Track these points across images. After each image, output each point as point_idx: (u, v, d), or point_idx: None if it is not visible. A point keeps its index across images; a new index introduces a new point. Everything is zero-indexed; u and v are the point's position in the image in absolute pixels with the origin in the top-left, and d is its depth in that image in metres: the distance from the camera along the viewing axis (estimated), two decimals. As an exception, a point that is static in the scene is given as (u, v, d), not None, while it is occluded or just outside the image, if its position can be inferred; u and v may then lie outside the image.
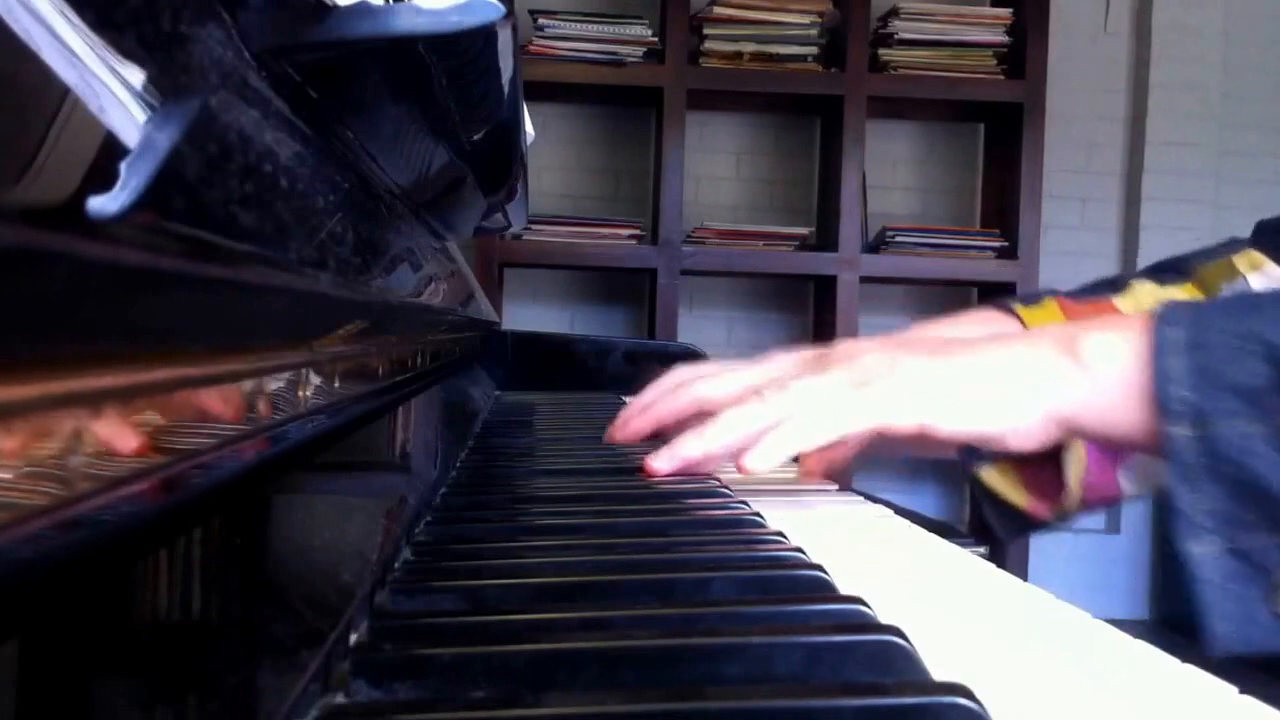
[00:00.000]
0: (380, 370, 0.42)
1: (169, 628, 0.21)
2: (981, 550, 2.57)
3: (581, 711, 0.25)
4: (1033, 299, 0.77)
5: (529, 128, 0.82)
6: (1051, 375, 0.53)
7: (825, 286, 2.78)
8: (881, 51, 2.73)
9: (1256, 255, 0.73)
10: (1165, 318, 0.51)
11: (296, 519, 0.31)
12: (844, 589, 0.36)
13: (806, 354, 0.70)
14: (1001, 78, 2.71)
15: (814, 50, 2.69)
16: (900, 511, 0.60)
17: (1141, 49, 3.01)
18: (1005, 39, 2.72)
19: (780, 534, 0.46)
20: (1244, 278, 0.72)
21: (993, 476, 0.69)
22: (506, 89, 0.51)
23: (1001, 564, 0.49)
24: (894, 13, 2.72)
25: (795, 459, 0.69)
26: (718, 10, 2.66)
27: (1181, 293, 0.75)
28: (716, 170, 2.97)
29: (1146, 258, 2.96)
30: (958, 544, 0.51)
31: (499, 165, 0.69)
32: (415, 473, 0.51)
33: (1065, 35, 2.92)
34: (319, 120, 0.36)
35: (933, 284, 2.96)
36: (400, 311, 0.47)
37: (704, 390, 0.69)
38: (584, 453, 0.79)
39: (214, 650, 0.22)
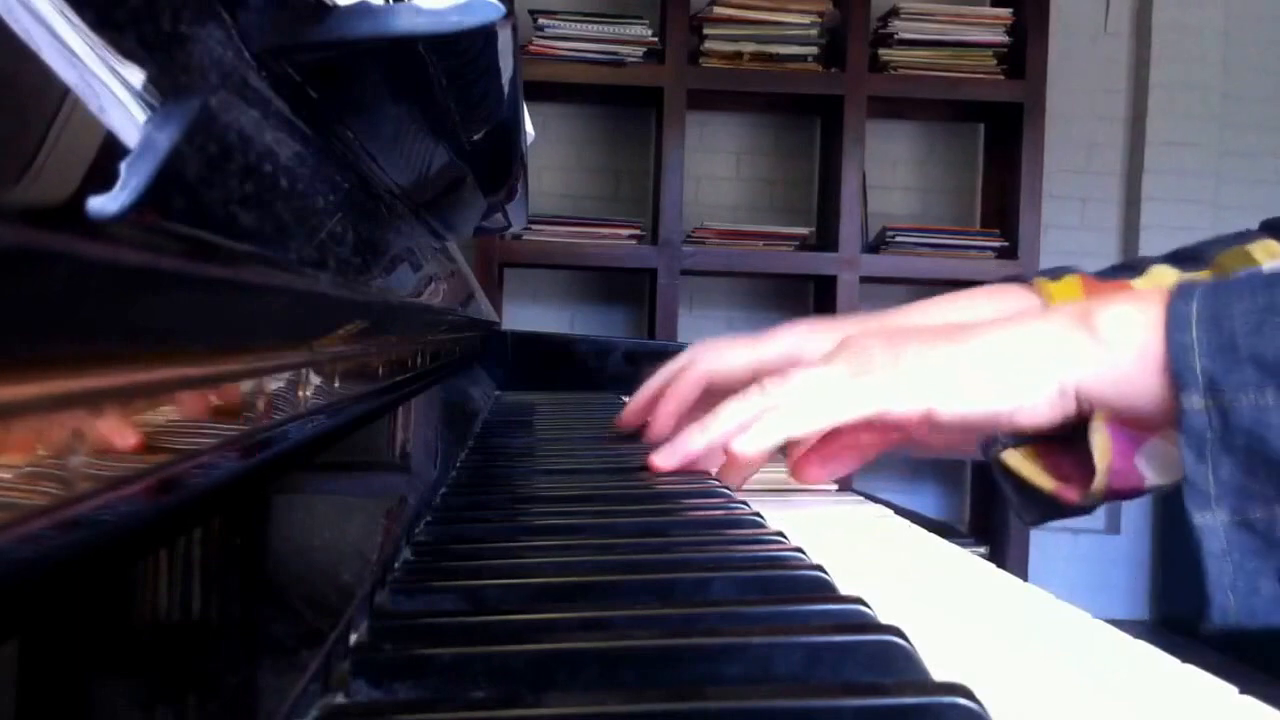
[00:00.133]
0: (380, 370, 0.42)
1: (169, 628, 0.21)
2: (981, 550, 2.57)
3: (582, 711, 0.25)
4: (1054, 274, 0.76)
5: (529, 128, 0.82)
6: (1066, 347, 0.53)
7: (825, 286, 2.78)
8: (881, 51, 2.73)
9: (1274, 244, 0.73)
10: (1183, 292, 0.50)
11: (296, 519, 0.31)
12: (844, 589, 0.36)
13: (815, 328, 0.70)
14: (1001, 78, 2.71)
15: (814, 50, 2.69)
16: (900, 511, 0.60)
17: (1141, 49, 3.01)
18: (1005, 39, 2.72)
19: (780, 534, 0.46)
20: (1260, 267, 0.72)
21: (1016, 459, 0.68)
22: (506, 89, 0.51)
23: (1001, 564, 0.49)
24: (894, 13, 2.72)
25: (784, 451, 0.68)
26: (718, 10, 2.66)
27: (1200, 278, 0.74)
28: (716, 170, 2.97)
29: (1146, 258, 2.96)
30: (958, 544, 0.51)
31: (499, 165, 0.69)
32: (415, 473, 0.51)
33: (1065, 35, 2.92)
34: (319, 120, 0.36)
35: (933, 284, 2.95)
36: (400, 311, 0.47)
37: (712, 365, 0.69)
38: (584, 453, 0.79)
39: (214, 650, 0.22)
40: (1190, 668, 0.32)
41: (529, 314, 2.91)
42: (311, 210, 0.30)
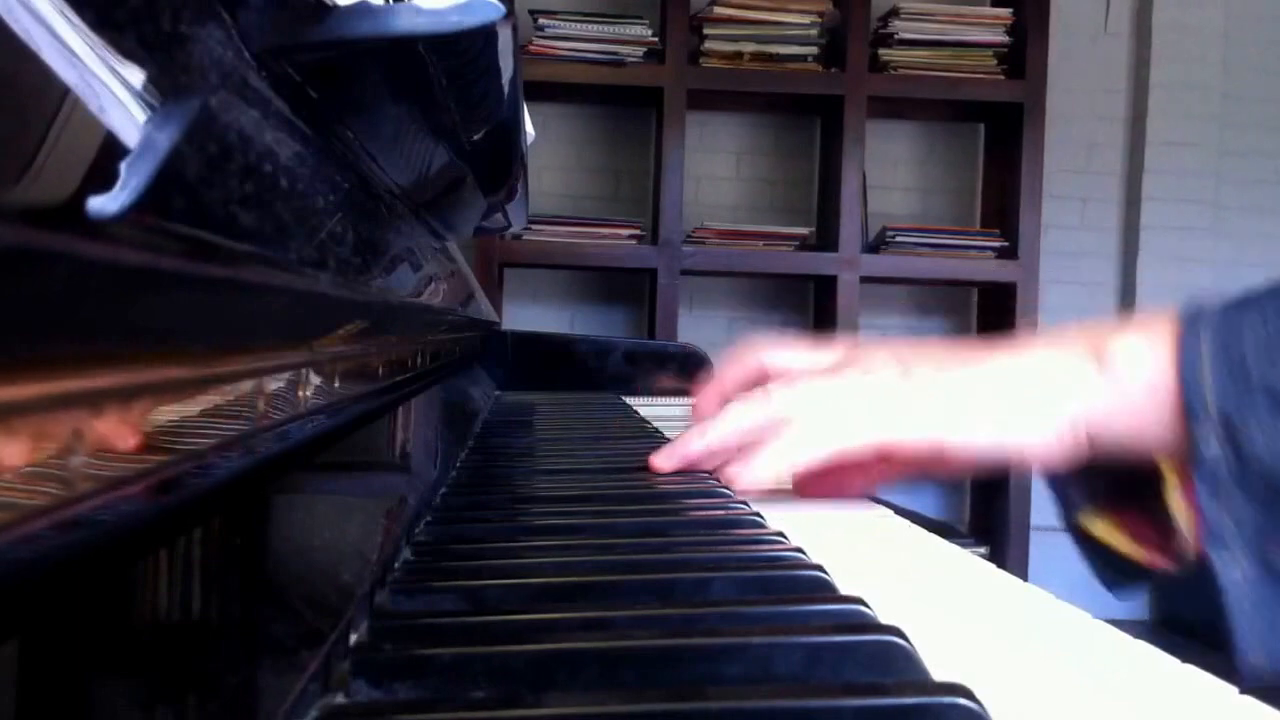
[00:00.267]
0: (380, 370, 0.42)
1: (169, 628, 0.21)
2: (981, 550, 2.57)
3: (582, 712, 0.25)
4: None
5: (529, 128, 0.82)
6: (1075, 382, 0.51)
7: (825, 286, 2.78)
8: (881, 51, 2.73)
9: None
10: (1192, 320, 0.49)
11: (296, 519, 0.31)
12: (844, 589, 0.36)
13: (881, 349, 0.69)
14: (1001, 78, 2.71)
15: (814, 50, 2.69)
16: (900, 511, 0.60)
17: (1141, 49, 3.01)
18: (1005, 39, 2.72)
19: (780, 534, 0.46)
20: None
21: (1104, 530, 0.66)
22: (506, 89, 0.51)
23: (1001, 564, 0.48)
24: (894, 13, 2.72)
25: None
26: (718, 10, 2.66)
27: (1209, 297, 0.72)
28: (716, 170, 2.98)
29: (1147, 258, 2.96)
30: (958, 544, 0.51)
31: (499, 165, 0.69)
32: (415, 473, 0.51)
33: (1065, 35, 2.92)
34: (319, 120, 0.36)
35: (933, 284, 2.96)
36: (400, 311, 0.47)
37: (771, 361, 0.68)
38: (584, 453, 0.79)
39: (214, 650, 0.22)
40: (1190, 668, 0.32)
41: (529, 314, 2.91)
42: (311, 210, 0.30)
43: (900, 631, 0.30)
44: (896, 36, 2.71)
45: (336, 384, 0.33)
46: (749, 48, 2.67)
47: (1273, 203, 3.04)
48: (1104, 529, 0.65)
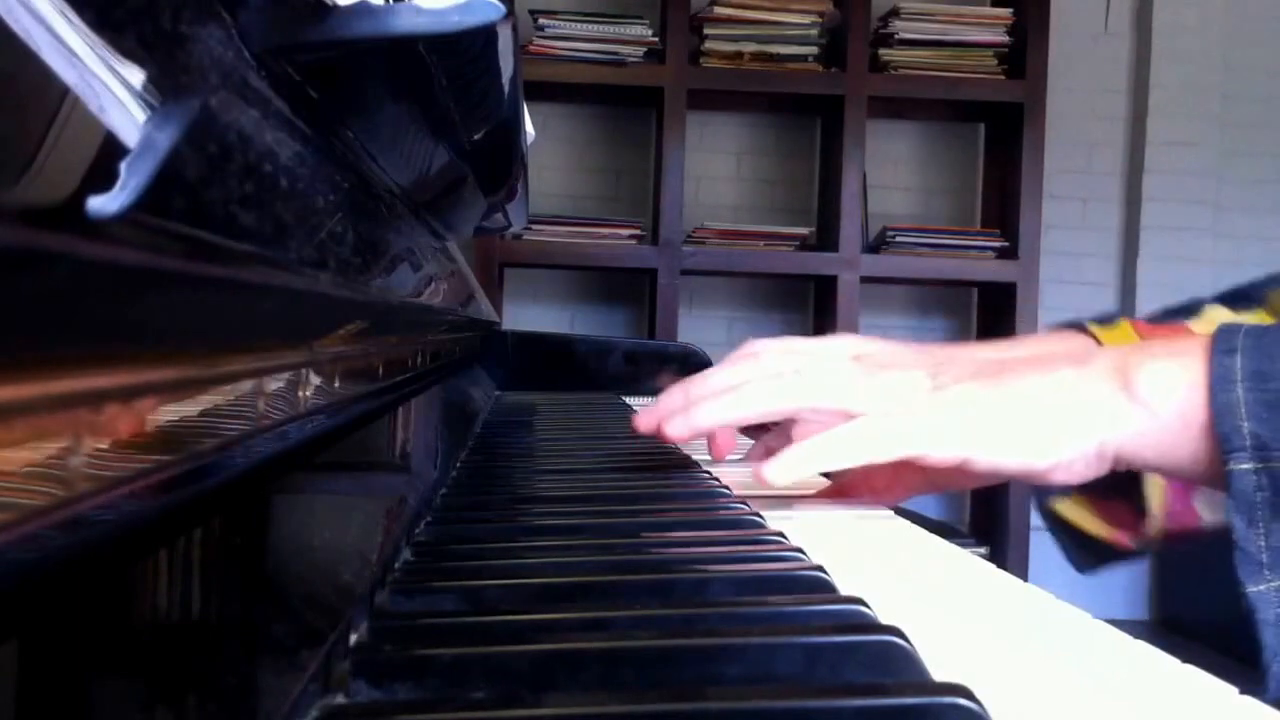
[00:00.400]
0: (380, 370, 0.42)
1: (169, 628, 0.21)
2: (981, 550, 2.57)
3: (582, 712, 0.25)
4: (1107, 319, 0.73)
5: (529, 128, 0.82)
6: (1104, 409, 0.50)
7: (825, 286, 2.78)
8: (882, 51, 2.73)
9: None
10: (1224, 343, 0.48)
11: (296, 519, 0.31)
12: (844, 589, 0.36)
13: (869, 340, 0.69)
14: (1002, 78, 2.71)
15: (814, 50, 2.69)
16: (900, 511, 0.60)
17: (1142, 49, 3.01)
18: (1005, 39, 2.72)
19: (780, 534, 0.46)
20: None
21: (1069, 508, 0.66)
22: (507, 89, 0.51)
23: (1001, 564, 0.48)
24: (894, 13, 2.72)
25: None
26: (718, 10, 2.66)
27: (1253, 319, 0.72)
28: (716, 170, 2.98)
29: (1147, 257, 2.96)
30: (958, 544, 0.51)
31: (499, 165, 0.69)
32: (415, 473, 0.51)
33: (1065, 35, 2.92)
34: (319, 120, 0.36)
35: (933, 284, 2.96)
36: (400, 311, 0.47)
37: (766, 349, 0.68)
38: (584, 453, 0.79)
39: (214, 650, 0.22)
40: (1190, 668, 0.32)
41: (529, 314, 2.91)
42: (311, 210, 0.30)
43: (900, 631, 0.30)
44: (897, 36, 2.71)
45: (336, 384, 0.33)
46: (749, 48, 2.67)
47: (1273, 203, 3.04)
48: (1074, 511, 0.66)
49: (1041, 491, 0.66)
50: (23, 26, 0.15)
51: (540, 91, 2.69)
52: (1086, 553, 0.67)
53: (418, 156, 0.55)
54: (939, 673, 0.29)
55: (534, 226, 2.59)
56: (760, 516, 0.50)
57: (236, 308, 0.23)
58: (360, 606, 0.32)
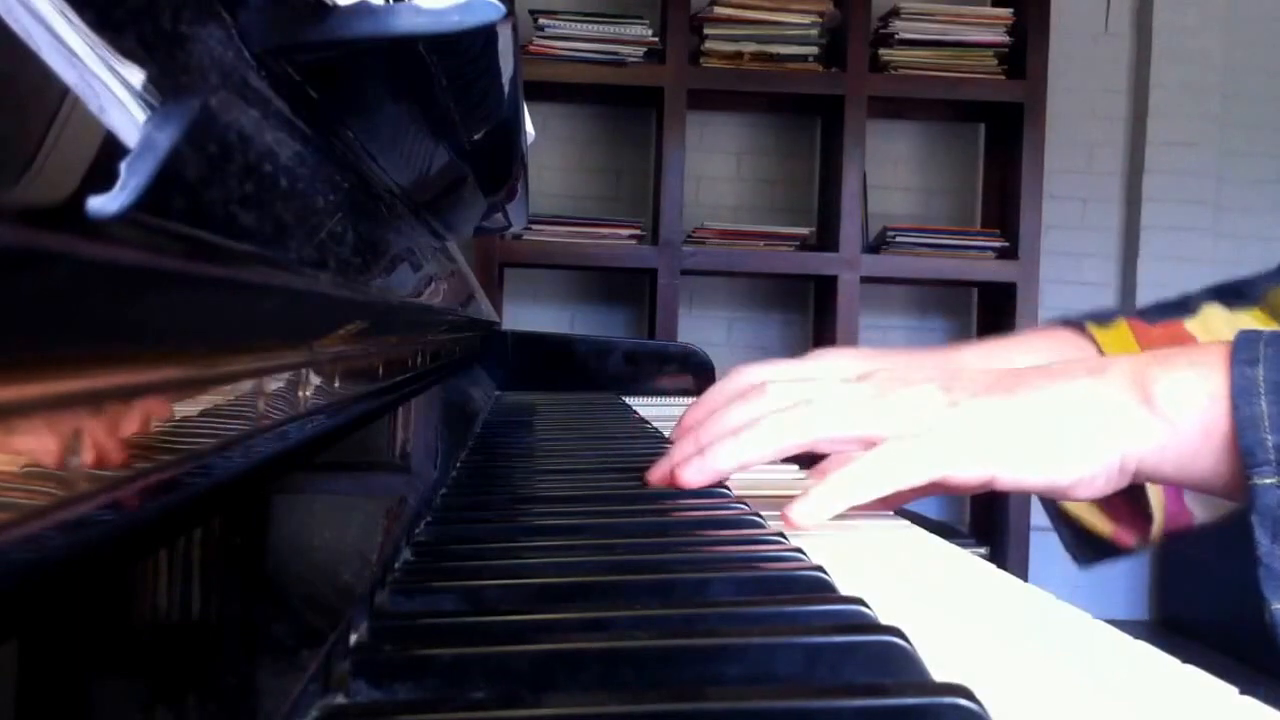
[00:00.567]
0: (380, 370, 0.42)
1: (169, 628, 0.21)
2: (981, 550, 2.57)
3: (582, 712, 0.25)
4: (1104, 318, 0.73)
5: (529, 128, 0.82)
6: (1125, 423, 0.49)
7: (826, 286, 2.78)
8: (882, 51, 2.73)
9: None
10: (1245, 353, 0.47)
11: (296, 519, 0.31)
12: (844, 589, 0.36)
13: (860, 354, 0.69)
14: (1002, 78, 2.71)
15: (814, 50, 2.69)
16: (900, 512, 0.60)
17: (1142, 49, 3.01)
18: (1006, 39, 2.72)
19: (780, 534, 0.46)
20: None
21: (1073, 504, 0.66)
22: (507, 89, 0.51)
23: (1001, 564, 0.48)
24: (894, 13, 2.72)
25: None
26: (718, 10, 2.66)
27: (1250, 318, 0.71)
28: (716, 170, 2.97)
29: (1147, 258, 2.96)
30: (958, 544, 0.51)
31: (499, 165, 0.69)
32: (415, 473, 0.51)
33: (1065, 35, 2.92)
34: (319, 120, 0.36)
35: (933, 284, 2.96)
36: (400, 311, 0.47)
37: (760, 379, 0.67)
38: (584, 453, 0.79)
39: (214, 650, 0.22)
40: (1190, 668, 0.32)
41: (529, 314, 2.91)
42: (311, 210, 0.30)
43: (900, 632, 0.30)
44: (897, 36, 2.70)
45: (336, 384, 0.33)
46: (749, 48, 2.67)
47: (1273, 203, 3.03)
48: (1080, 506, 0.66)
49: None
50: (23, 26, 0.15)
51: (540, 91, 2.69)
52: (1087, 547, 0.67)
53: (418, 156, 0.55)
54: (939, 673, 0.29)
55: (534, 226, 2.59)
56: (760, 516, 0.50)
57: (236, 308, 0.23)
58: (360, 606, 0.32)
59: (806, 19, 2.68)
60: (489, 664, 0.28)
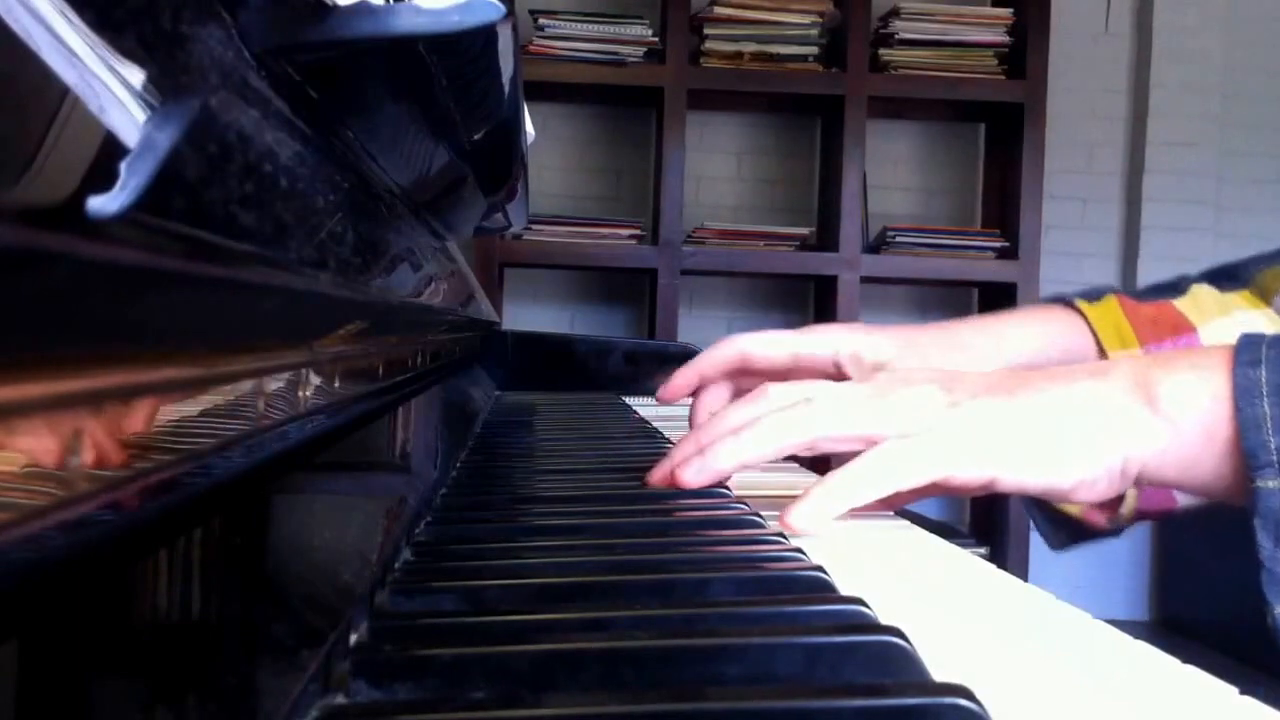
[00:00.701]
0: (380, 370, 0.42)
1: (169, 628, 0.21)
2: (981, 550, 2.57)
3: (582, 712, 0.25)
4: (1094, 295, 0.72)
5: (529, 128, 0.82)
6: (1127, 425, 0.49)
7: (826, 286, 2.78)
8: (882, 51, 2.73)
9: None
10: (1247, 354, 0.47)
11: (296, 519, 0.31)
12: (844, 589, 0.36)
13: (856, 328, 0.69)
14: (1002, 78, 2.71)
15: (814, 50, 2.69)
16: (900, 512, 0.60)
17: (1142, 49, 3.01)
18: (1006, 39, 2.72)
19: (780, 534, 0.46)
20: None
21: None
22: (507, 89, 0.51)
23: (1001, 564, 0.48)
24: (894, 13, 2.72)
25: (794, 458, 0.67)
26: (718, 10, 2.66)
27: (1239, 299, 0.71)
28: (717, 170, 2.97)
29: (1147, 258, 2.96)
30: (958, 544, 0.51)
31: (499, 165, 0.69)
32: (415, 473, 0.51)
33: (1066, 35, 2.92)
34: (319, 120, 0.36)
35: (933, 284, 2.96)
36: (400, 311, 0.47)
37: (749, 346, 0.68)
38: (584, 453, 0.79)
39: (214, 650, 0.22)
40: (1190, 668, 0.32)
41: (529, 314, 2.91)
42: (311, 210, 0.30)
43: (900, 632, 0.30)
44: (897, 36, 2.71)
45: (336, 384, 0.33)
46: (749, 48, 2.67)
47: (1273, 203, 3.03)
48: None
49: None
50: (23, 26, 0.15)
51: (540, 91, 2.69)
52: (1061, 531, 0.67)
53: (418, 156, 0.55)
54: (939, 673, 0.29)
55: (534, 226, 2.59)
56: (760, 516, 0.50)
57: (236, 308, 0.23)
58: (360, 606, 0.32)
59: (806, 19, 2.68)
60: (489, 664, 0.28)
